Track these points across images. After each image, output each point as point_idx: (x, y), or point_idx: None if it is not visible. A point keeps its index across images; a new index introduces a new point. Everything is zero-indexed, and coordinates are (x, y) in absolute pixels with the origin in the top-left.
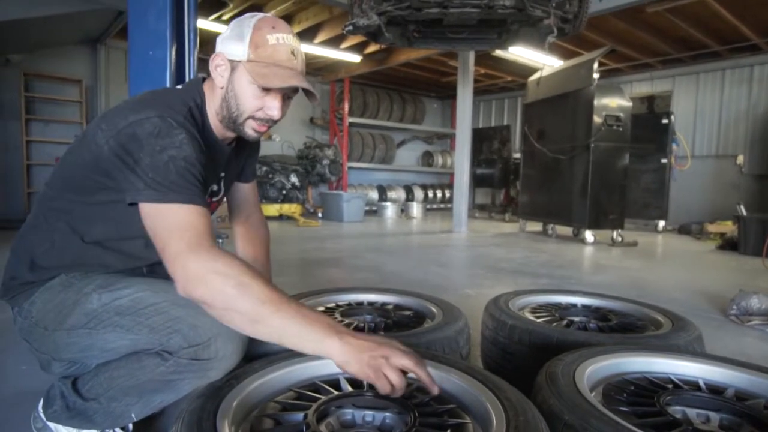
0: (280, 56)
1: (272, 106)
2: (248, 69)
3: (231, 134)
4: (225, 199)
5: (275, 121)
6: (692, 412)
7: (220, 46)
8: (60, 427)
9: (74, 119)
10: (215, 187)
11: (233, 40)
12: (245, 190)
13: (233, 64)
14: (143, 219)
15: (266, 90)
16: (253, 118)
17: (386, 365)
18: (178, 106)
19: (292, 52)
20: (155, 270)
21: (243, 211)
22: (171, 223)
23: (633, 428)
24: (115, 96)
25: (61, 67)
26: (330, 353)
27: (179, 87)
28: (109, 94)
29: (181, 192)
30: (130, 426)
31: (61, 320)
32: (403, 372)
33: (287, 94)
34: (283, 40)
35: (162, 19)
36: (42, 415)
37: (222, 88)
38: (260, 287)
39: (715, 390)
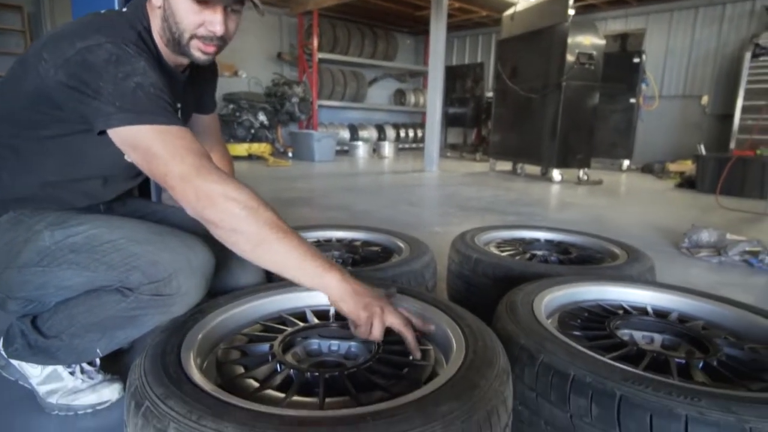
0: None
1: (213, 21)
2: None
3: (182, 60)
4: None
5: (222, 39)
6: (638, 335)
7: None
8: (24, 364)
9: (17, 51)
10: None
11: None
12: (206, 122)
13: None
14: (122, 145)
15: (203, 3)
16: (196, 36)
17: (378, 316)
18: (127, 30)
19: None
20: (113, 208)
21: (204, 145)
22: (166, 145)
23: (582, 349)
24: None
25: None
26: (328, 287)
27: (124, 10)
28: (56, 21)
29: (159, 113)
30: (98, 360)
31: (12, 258)
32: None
33: (231, 7)
34: None
35: None
36: (3, 352)
37: (159, 7)
38: (268, 213)
39: (661, 314)
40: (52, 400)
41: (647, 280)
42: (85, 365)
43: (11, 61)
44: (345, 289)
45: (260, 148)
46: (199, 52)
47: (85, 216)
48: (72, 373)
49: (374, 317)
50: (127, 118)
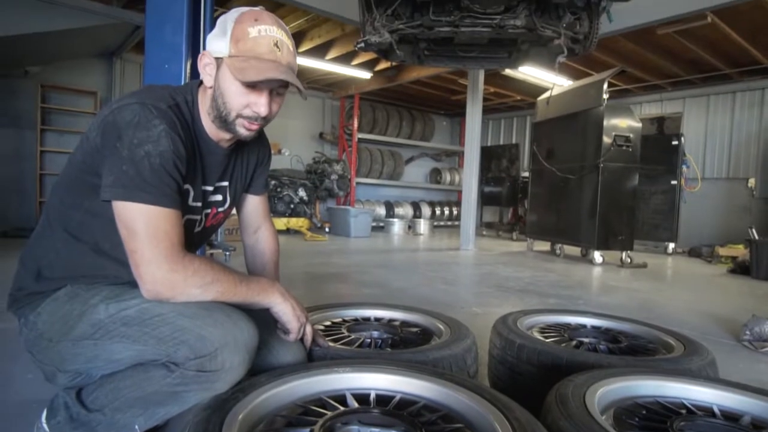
0: (260, 49)
1: (258, 102)
2: (228, 64)
3: (226, 136)
4: (235, 211)
5: (265, 119)
6: None
7: (208, 44)
8: None
9: None
10: (219, 197)
11: (217, 37)
12: (255, 202)
13: (218, 62)
14: (115, 216)
15: (251, 86)
16: (241, 116)
17: (309, 325)
18: (164, 97)
19: (276, 44)
20: None
21: (252, 224)
22: (142, 226)
23: None
24: None
25: (77, 79)
26: (273, 298)
27: (179, 86)
28: None
29: (151, 192)
30: None
31: (67, 331)
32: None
33: (276, 90)
34: (265, 32)
35: (178, 32)
36: (45, 425)
37: (210, 87)
38: (222, 279)
39: (731, 417)
40: None
41: (710, 377)
42: None
43: None
44: (288, 298)
45: (298, 222)
46: (243, 129)
47: (136, 290)
48: None
49: (306, 326)
50: (120, 193)
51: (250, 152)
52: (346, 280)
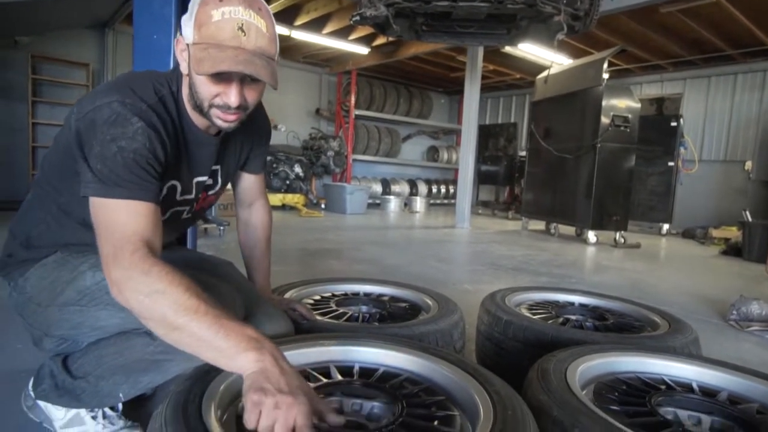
0: (222, 35)
1: (228, 92)
2: (191, 53)
3: (210, 124)
4: (230, 186)
5: (240, 108)
6: (684, 414)
7: (182, 28)
8: (49, 405)
9: None
10: (209, 181)
11: (186, 21)
12: (251, 180)
13: (190, 48)
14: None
15: (217, 76)
16: (213, 105)
17: (267, 408)
18: (149, 92)
19: (240, 28)
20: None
21: (247, 199)
22: (106, 222)
23: (623, 427)
24: None
25: (69, 50)
26: (242, 368)
27: (167, 72)
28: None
29: (125, 186)
30: (120, 405)
31: (55, 297)
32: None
33: (249, 77)
34: (229, 15)
35: (167, 4)
36: (32, 393)
37: (187, 74)
38: (176, 294)
39: (709, 393)
40: None
41: (692, 354)
42: (107, 410)
43: None
44: (258, 367)
45: (294, 198)
46: (219, 120)
47: None
48: (94, 418)
49: (263, 406)
50: (97, 189)
51: (246, 133)
52: (340, 257)
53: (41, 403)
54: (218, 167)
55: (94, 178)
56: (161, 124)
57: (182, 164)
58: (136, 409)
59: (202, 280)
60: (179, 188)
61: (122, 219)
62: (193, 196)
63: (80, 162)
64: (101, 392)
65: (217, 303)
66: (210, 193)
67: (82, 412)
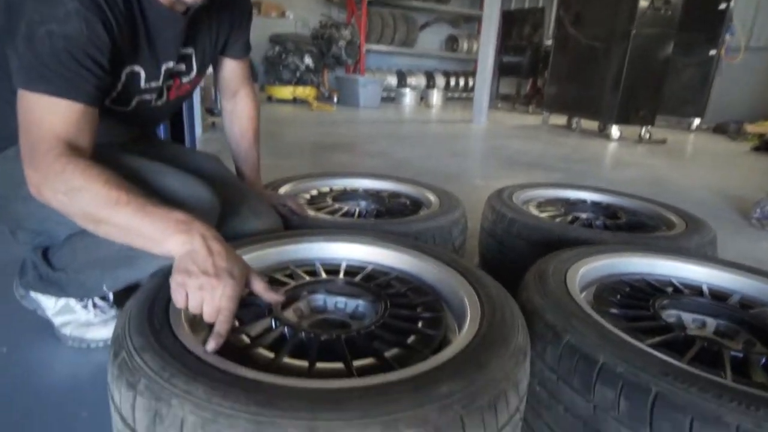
0: None
1: None
2: None
3: None
4: (214, 75)
5: None
6: (688, 317)
7: None
8: (39, 295)
9: None
10: (182, 66)
11: None
12: (233, 65)
13: None
14: None
15: None
16: None
17: (192, 289)
18: None
19: None
20: (125, 147)
21: (230, 87)
22: (24, 118)
23: (616, 331)
24: None
25: None
26: (172, 247)
27: None
28: None
29: (49, 80)
30: (111, 296)
31: (17, 190)
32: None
33: None
34: None
35: None
36: (19, 282)
37: None
38: (95, 188)
39: (719, 296)
40: (66, 331)
41: (706, 255)
42: (97, 300)
43: None
44: (185, 250)
45: (305, 91)
46: None
47: None
48: (84, 307)
49: (187, 288)
50: (22, 79)
51: (222, 13)
52: (351, 151)
53: (33, 293)
54: (191, 51)
55: (20, 65)
56: (107, 3)
57: (141, 46)
58: (128, 298)
59: (167, 171)
60: (143, 74)
61: (38, 116)
62: (160, 83)
63: (8, 43)
64: (85, 285)
65: (144, 192)
66: (184, 80)
67: (72, 301)
